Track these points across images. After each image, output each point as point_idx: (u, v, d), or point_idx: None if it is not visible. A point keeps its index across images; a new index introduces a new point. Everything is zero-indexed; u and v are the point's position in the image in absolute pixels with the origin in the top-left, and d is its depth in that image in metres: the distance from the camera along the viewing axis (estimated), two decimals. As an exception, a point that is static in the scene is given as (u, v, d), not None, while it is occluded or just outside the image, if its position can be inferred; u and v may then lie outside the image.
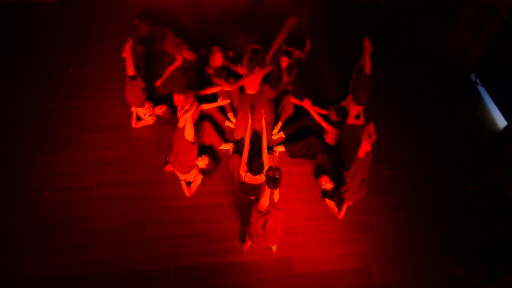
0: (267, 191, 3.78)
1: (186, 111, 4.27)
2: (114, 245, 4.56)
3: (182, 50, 5.99)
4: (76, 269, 4.37)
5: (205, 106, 5.29)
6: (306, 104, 5.22)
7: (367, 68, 5.16)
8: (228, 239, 4.71)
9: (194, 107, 4.38)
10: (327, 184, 4.98)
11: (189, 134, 4.47)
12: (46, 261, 4.40)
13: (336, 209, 4.97)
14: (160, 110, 5.49)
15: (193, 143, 4.57)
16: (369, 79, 5.28)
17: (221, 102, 5.44)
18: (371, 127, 4.21)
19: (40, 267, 4.36)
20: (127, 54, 4.79)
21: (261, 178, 4.62)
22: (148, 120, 5.55)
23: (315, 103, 5.33)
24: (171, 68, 6.21)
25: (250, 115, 5.07)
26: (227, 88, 5.33)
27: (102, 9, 7.27)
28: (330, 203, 5.00)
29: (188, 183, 5.02)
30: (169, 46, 6.13)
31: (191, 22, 7.11)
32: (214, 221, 4.84)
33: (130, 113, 5.56)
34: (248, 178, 4.63)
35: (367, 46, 5.01)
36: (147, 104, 5.43)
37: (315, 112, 5.17)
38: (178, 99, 5.03)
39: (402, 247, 4.81)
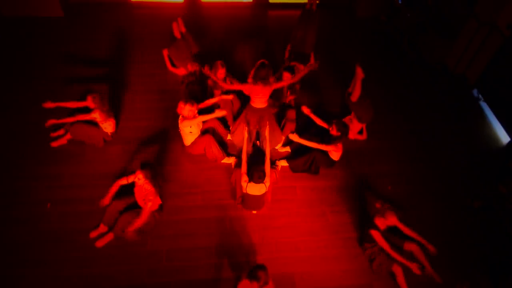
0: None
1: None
2: (115, 258, 4.54)
3: (188, 63, 6.06)
4: (76, 282, 4.33)
5: (203, 118, 5.18)
6: (305, 110, 5.29)
7: (355, 95, 5.22)
8: (230, 254, 4.67)
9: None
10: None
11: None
12: (47, 274, 4.37)
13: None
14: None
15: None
16: (361, 102, 5.34)
17: (218, 113, 5.26)
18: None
19: (41, 280, 4.33)
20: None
21: (262, 188, 4.61)
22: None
23: (317, 116, 5.38)
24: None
25: (246, 127, 5.07)
26: (224, 86, 5.30)
27: (107, 22, 7.38)
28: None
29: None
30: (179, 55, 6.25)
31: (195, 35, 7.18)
32: (215, 235, 4.81)
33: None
34: (249, 189, 4.61)
35: (359, 74, 5.02)
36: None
37: (311, 142, 5.16)
38: (183, 107, 5.00)
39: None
